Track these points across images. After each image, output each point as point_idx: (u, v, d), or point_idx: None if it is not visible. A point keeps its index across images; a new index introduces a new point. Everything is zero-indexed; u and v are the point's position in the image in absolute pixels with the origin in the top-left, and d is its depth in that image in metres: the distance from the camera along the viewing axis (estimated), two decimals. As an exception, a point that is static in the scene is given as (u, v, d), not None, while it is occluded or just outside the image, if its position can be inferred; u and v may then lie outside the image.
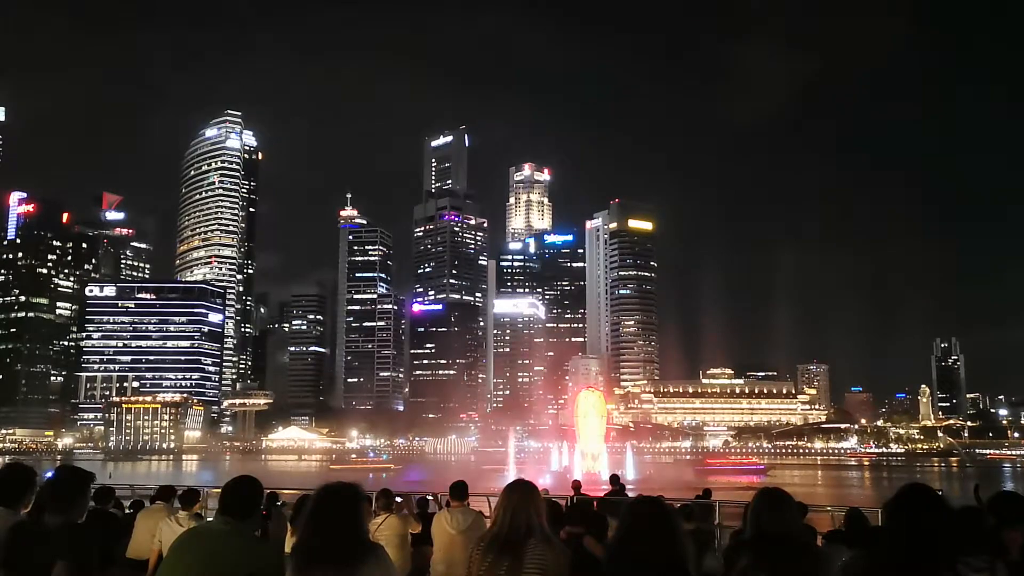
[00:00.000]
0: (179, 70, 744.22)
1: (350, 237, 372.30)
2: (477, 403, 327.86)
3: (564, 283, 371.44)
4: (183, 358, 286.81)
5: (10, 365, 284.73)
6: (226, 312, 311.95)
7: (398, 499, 12.28)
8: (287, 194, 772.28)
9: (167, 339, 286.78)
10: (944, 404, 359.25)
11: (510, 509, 5.14)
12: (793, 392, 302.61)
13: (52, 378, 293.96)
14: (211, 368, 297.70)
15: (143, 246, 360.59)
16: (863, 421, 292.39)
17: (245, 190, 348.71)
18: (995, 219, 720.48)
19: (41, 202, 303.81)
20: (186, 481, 42.69)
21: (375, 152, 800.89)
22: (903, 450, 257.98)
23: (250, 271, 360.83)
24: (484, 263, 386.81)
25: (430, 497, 15.98)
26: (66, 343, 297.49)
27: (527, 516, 5.09)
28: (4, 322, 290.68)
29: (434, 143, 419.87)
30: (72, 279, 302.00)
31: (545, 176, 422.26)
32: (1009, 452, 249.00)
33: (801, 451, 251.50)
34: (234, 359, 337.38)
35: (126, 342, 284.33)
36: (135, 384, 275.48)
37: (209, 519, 7.29)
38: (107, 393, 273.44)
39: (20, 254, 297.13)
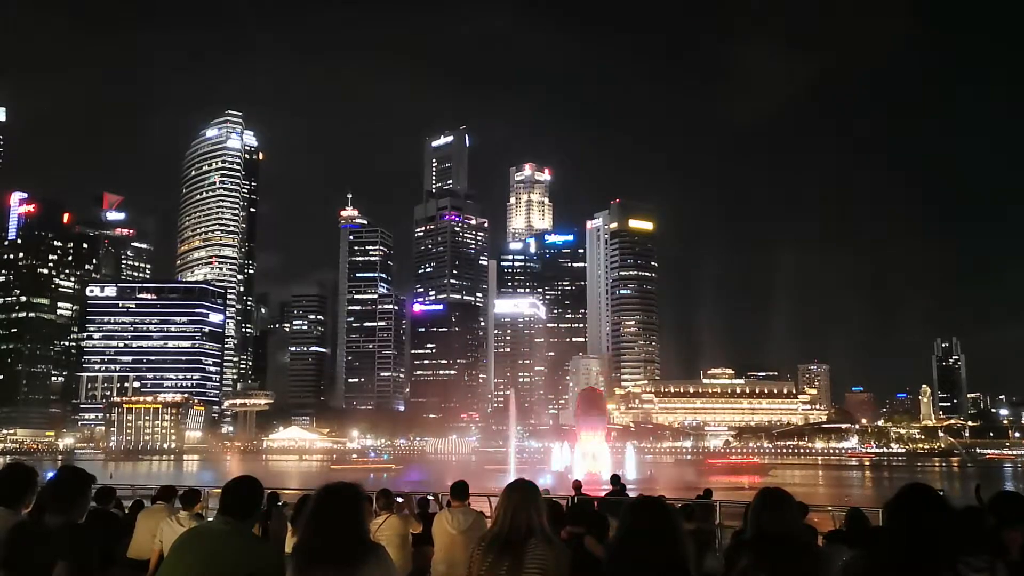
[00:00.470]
0: (179, 70, 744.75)
1: (351, 237, 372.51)
2: (478, 403, 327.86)
3: (565, 283, 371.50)
4: (184, 358, 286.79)
5: (11, 365, 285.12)
6: (227, 312, 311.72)
7: (399, 499, 12.27)
8: (287, 194, 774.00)
9: (168, 339, 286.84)
10: (945, 404, 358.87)
11: (511, 509, 5.15)
12: (794, 392, 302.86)
13: (53, 378, 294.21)
14: (212, 368, 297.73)
15: (144, 246, 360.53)
16: (864, 421, 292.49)
17: (246, 190, 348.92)
18: (995, 219, 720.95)
19: (42, 202, 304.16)
20: (187, 481, 42.65)
21: (375, 152, 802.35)
22: (904, 450, 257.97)
23: (251, 271, 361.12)
24: (485, 263, 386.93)
25: (431, 497, 15.99)
26: (67, 343, 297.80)
27: (528, 516, 5.09)
28: (5, 322, 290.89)
29: (434, 143, 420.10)
30: (73, 279, 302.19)
31: (545, 176, 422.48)
32: (1010, 452, 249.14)
33: (802, 451, 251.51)
34: (235, 359, 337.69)
35: (127, 342, 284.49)
36: (136, 384, 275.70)
37: (210, 519, 7.29)
38: (108, 393, 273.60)
39: (21, 254, 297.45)
